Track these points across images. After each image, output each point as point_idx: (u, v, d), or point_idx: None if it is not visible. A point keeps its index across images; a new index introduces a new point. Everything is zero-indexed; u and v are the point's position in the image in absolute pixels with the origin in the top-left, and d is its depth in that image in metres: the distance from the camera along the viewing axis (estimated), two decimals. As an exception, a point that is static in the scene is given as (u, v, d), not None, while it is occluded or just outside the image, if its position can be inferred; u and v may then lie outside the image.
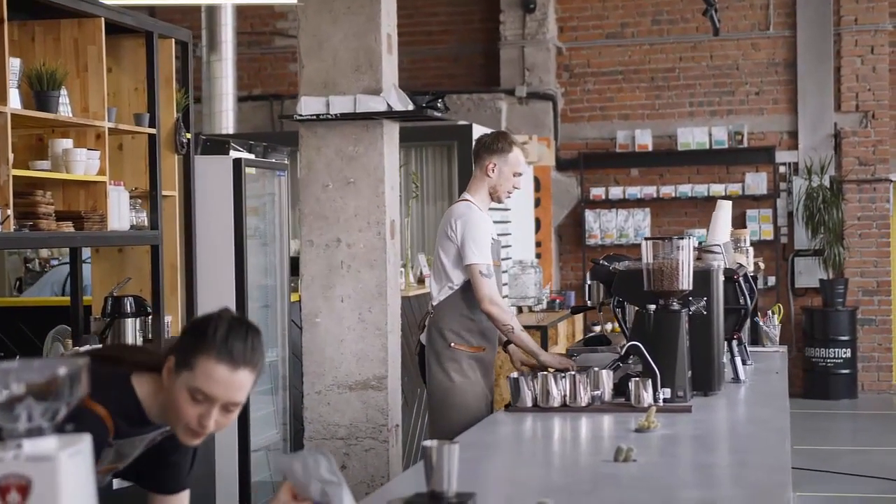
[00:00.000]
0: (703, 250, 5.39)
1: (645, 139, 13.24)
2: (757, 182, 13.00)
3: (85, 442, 1.83)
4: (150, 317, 5.78)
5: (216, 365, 2.68)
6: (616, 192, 13.26)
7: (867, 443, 10.51)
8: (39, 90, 5.04)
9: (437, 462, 2.85)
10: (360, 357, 5.74)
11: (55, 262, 8.76)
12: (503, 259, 9.62)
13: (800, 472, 8.57)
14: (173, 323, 6.06)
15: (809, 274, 12.94)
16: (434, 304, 5.48)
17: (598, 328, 10.55)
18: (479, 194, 5.44)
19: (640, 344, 4.49)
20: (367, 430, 5.78)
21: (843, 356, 12.56)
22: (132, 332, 5.59)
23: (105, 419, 2.75)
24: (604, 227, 13.29)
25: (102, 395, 2.72)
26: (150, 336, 5.80)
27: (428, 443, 2.87)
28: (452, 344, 5.38)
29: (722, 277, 4.90)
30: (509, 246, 10.50)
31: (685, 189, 13.11)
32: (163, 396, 2.78)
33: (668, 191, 13.15)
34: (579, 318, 11.47)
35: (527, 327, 9.26)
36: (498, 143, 5.46)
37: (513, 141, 5.49)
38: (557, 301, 11.18)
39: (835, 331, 12.59)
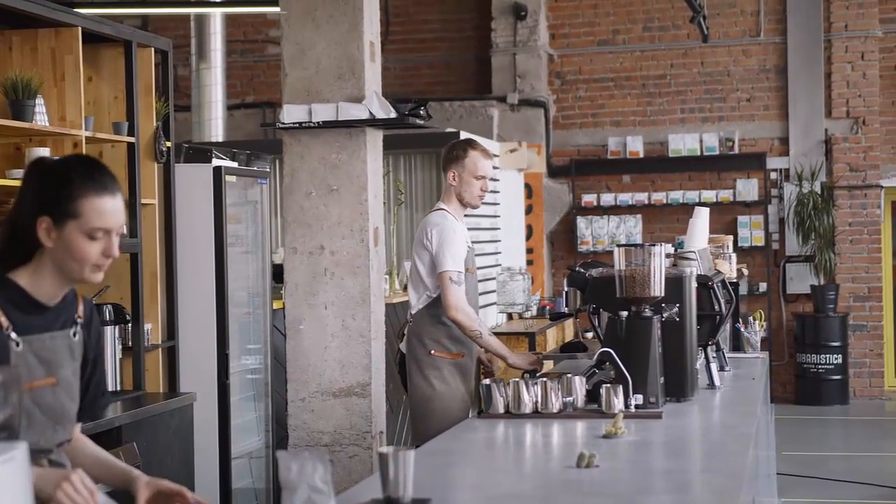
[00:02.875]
0: (678, 257, 5.40)
1: (636, 146, 13.26)
2: (748, 188, 13.00)
3: (20, 449, 1.85)
4: (129, 325, 5.79)
5: (100, 199, 2.82)
6: (608, 198, 13.26)
7: (858, 448, 10.51)
8: (15, 99, 5.05)
9: (392, 468, 2.87)
10: (343, 364, 5.74)
11: None
12: (485, 266, 9.73)
13: (788, 478, 8.57)
14: (153, 331, 6.07)
15: (801, 280, 12.94)
16: (412, 312, 5.51)
17: (590, 335, 10.53)
18: (452, 203, 5.50)
19: (612, 350, 4.50)
20: (351, 437, 5.78)
21: (835, 362, 12.56)
22: (111, 340, 5.59)
23: None
24: (596, 233, 13.29)
25: None
26: (129, 344, 5.81)
27: (383, 449, 2.89)
28: (433, 351, 5.42)
29: (695, 284, 4.91)
30: (498, 253, 10.51)
31: (676, 195, 13.11)
32: (49, 265, 2.85)
33: (659, 197, 13.16)
34: (570, 324, 11.47)
35: (515, 334, 9.36)
36: (453, 151, 5.52)
37: (469, 145, 5.53)
38: (548, 308, 11.17)
39: (826, 337, 12.59)
